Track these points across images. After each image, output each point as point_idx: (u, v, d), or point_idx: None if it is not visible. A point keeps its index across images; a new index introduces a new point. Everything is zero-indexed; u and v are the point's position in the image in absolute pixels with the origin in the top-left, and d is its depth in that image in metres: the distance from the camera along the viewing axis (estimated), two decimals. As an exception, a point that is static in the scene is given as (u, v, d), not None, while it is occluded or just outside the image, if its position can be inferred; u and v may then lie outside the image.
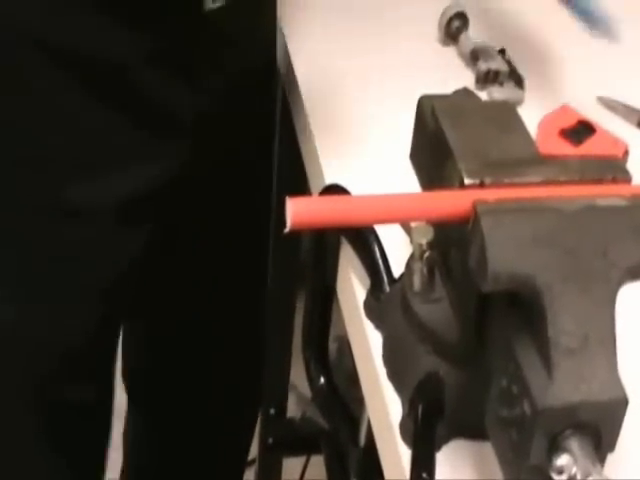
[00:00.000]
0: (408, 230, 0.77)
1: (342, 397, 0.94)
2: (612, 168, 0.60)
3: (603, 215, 0.56)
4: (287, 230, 0.55)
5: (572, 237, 0.55)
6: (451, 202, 0.57)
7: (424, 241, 0.64)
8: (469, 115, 0.66)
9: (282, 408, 1.57)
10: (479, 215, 0.54)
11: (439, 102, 0.66)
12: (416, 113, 0.68)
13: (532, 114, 0.87)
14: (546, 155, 0.63)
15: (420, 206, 0.58)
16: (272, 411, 1.55)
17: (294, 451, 1.61)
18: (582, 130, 0.93)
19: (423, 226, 0.65)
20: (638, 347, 0.70)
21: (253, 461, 1.74)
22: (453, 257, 0.63)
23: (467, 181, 0.58)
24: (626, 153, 0.92)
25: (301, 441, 1.59)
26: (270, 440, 1.54)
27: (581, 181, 0.59)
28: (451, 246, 0.63)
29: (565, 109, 0.96)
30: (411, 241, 0.67)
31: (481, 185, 0.58)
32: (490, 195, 0.56)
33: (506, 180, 0.58)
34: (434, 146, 0.64)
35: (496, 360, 0.58)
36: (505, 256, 0.53)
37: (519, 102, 0.99)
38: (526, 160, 0.61)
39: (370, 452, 0.91)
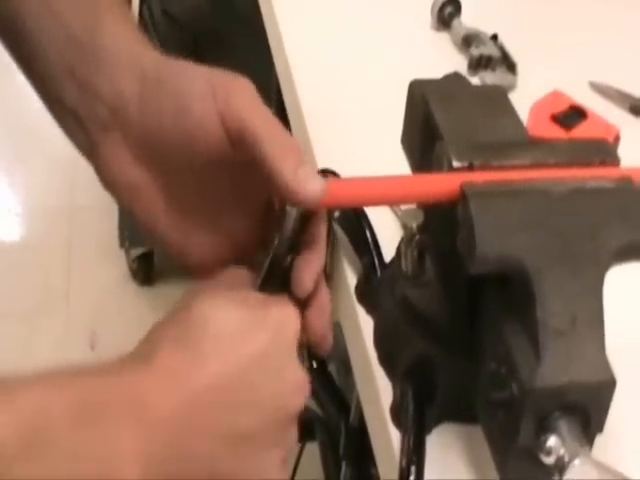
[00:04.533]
0: (398, 214, 0.77)
1: (335, 383, 0.94)
2: (601, 151, 0.60)
3: (591, 197, 0.56)
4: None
5: (560, 219, 0.55)
6: (440, 184, 0.57)
7: (414, 224, 0.64)
8: (459, 99, 0.66)
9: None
10: (467, 197, 0.54)
11: (430, 86, 0.66)
12: (407, 97, 0.68)
13: (524, 100, 0.87)
14: (535, 138, 0.63)
15: (409, 188, 0.58)
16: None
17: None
18: (573, 115, 0.93)
19: (413, 209, 0.65)
20: (626, 329, 0.70)
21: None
22: (443, 240, 0.63)
23: (455, 163, 0.58)
24: (617, 138, 0.92)
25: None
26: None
27: (570, 164, 0.59)
28: (441, 229, 0.63)
29: (557, 94, 0.96)
30: (402, 225, 0.67)
31: (470, 167, 0.58)
32: (479, 177, 0.56)
33: (495, 162, 0.58)
34: (424, 130, 0.64)
35: (486, 342, 0.58)
36: (493, 238, 0.53)
37: (511, 87, 0.99)
38: (515, 143, 0.61)
39: (361, 436, 0.91)
